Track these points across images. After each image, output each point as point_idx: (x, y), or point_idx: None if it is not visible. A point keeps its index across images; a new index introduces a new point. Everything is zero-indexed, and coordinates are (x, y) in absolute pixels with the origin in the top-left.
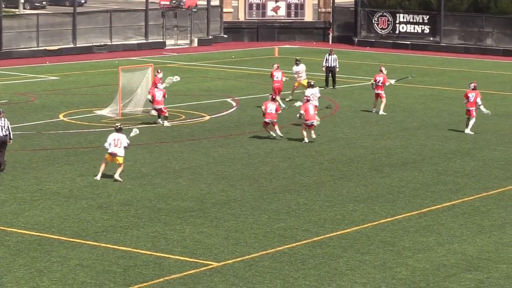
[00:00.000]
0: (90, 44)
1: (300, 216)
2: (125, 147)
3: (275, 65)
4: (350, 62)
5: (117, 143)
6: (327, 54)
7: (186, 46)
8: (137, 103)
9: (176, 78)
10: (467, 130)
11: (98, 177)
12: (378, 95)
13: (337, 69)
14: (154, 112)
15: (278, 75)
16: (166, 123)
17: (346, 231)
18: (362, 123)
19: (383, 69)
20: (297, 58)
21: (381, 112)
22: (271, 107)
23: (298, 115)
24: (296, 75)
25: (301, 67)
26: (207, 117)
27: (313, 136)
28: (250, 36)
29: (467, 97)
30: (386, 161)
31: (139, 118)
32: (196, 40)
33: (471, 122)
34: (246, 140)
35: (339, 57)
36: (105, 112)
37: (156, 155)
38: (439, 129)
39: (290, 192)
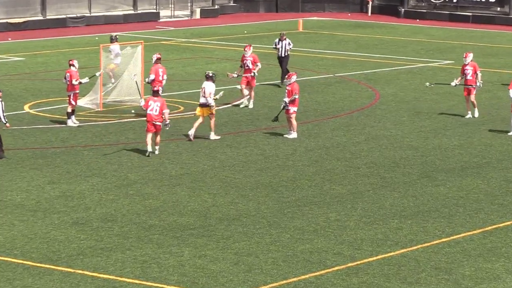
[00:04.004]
0: (64, 16)
1: (331, 235)
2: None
3: (247, 47)
4: (395, 38)
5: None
6: (277, 39)
7: (186, 18)
8: (122, 91)
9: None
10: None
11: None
12: (469, 91)
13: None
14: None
15: (247, 59)
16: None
17: (389, 254)
18: (409, 117)
19: (470, 55)
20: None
21: (476, 114)
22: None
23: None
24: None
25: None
26: (244, 102)
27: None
28: (266, 6)
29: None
30: (441, 165)
31: (124, 109)
32: (198, 10)
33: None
34: (261, 138)
35: (381, 32)
36: (82, 102)
37: (147, 157)
38: (509, 124)
39: (318, 204)
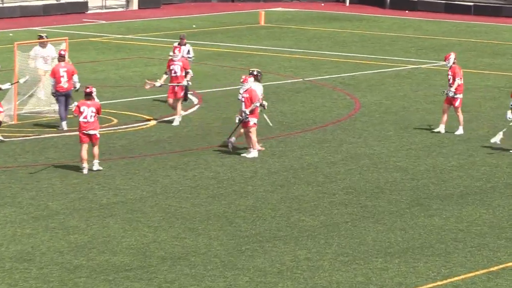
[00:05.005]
0: None
1: (300, 278)
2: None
3: (176, 49)
4: (379, 34)
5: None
6: (176, 43)
7: (121, 9)
8: (41, 100)
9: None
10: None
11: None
12: (449, 101)
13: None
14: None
15: (176, 65)
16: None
17: None
18: (397, 131)
19: (451, 56)
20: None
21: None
22: None
23: None
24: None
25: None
26: (153, 122)
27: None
28: None
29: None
30: (436, 191)
31: (44, 122)
32: (135, 0)
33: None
34: (214, 157)
35: (362, 26)
36: None
37: (71, 181)
38: None
39: (283, 240)
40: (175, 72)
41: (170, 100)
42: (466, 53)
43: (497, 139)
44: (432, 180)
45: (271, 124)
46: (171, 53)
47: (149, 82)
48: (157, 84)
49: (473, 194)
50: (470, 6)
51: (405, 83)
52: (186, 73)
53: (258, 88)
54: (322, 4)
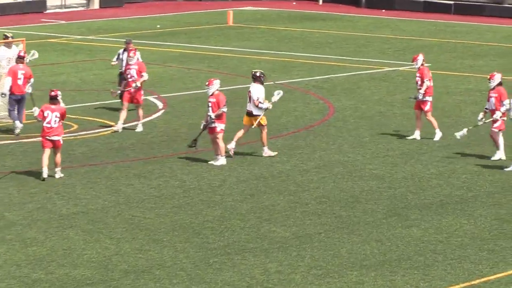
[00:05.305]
0: None
1: None
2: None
3: (132, 51)
4: (354, 34)
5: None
6: (122, 49)
7: (81, 8)
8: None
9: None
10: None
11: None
12: (418, 105)
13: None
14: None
15: (132, 69)
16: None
17: None
18: (373, 137)
19: (419, 57)
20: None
21: (437, 135)
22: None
23: None
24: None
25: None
26: (115, 127)
27: None
28: None
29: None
30: (414, 200)
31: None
32: None
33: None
34: (180, 165)
35: (336, 26)
36: None
37: (29, 190)
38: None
39: (253, 252)
40: (132, 76)
41: (125, 104)
42: (446, 55)
43: (460, 134)
44: (410, 188)
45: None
46: (114, 59)
47: (113, 91)
48: (119, 91)
49: (454, 204)
50: (450, 4)
51: (381, 86)
52: (141, 76)
53: (259, 90)
54: (294, 3)
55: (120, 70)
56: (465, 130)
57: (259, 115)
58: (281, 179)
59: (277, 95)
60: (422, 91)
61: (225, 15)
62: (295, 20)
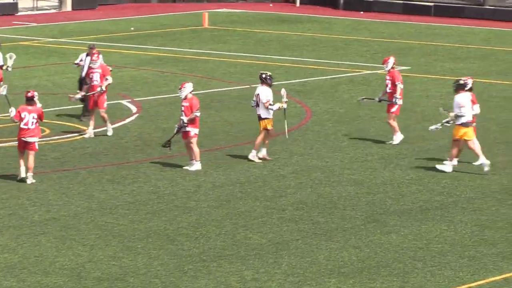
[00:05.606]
0: None
1: None
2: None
3: (95, 55)
4: (332, 37)
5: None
6: (85, 54)
7: (53, 10)
8: None
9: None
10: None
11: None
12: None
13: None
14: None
15: (95, 72)
16: None
17: None
18: (351, 142)
19: (390, 60)
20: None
21: (396, 140)
22: None
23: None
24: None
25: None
26: (86, 135)
27: None
28: None
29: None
30: (393, 206)
31: None
32: (69, 0)
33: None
34: (154, 170)
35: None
36: None
37: (0, 196)
38: (483, 151)
39: (228, 259)
40: (95, 81)
41: (92, 111)
42: (426, 57)
43: (434, 127)
44: (389, 194)
45: (287, 137)
46: (76, 62)
47: (72, 97)
48: (78, 96)
49: (433, 209)
50: (430, 6)
51: (360, 89)
52: (105, 79)
53: (268, 93)
54: (271, 5)
55: (81, 75)
56: (439, 125)
57: (268, 118)
58: (257, 184)
59: (284, 94)
60: (398, 95)
61: (200, 17)
62: (271, 22)
